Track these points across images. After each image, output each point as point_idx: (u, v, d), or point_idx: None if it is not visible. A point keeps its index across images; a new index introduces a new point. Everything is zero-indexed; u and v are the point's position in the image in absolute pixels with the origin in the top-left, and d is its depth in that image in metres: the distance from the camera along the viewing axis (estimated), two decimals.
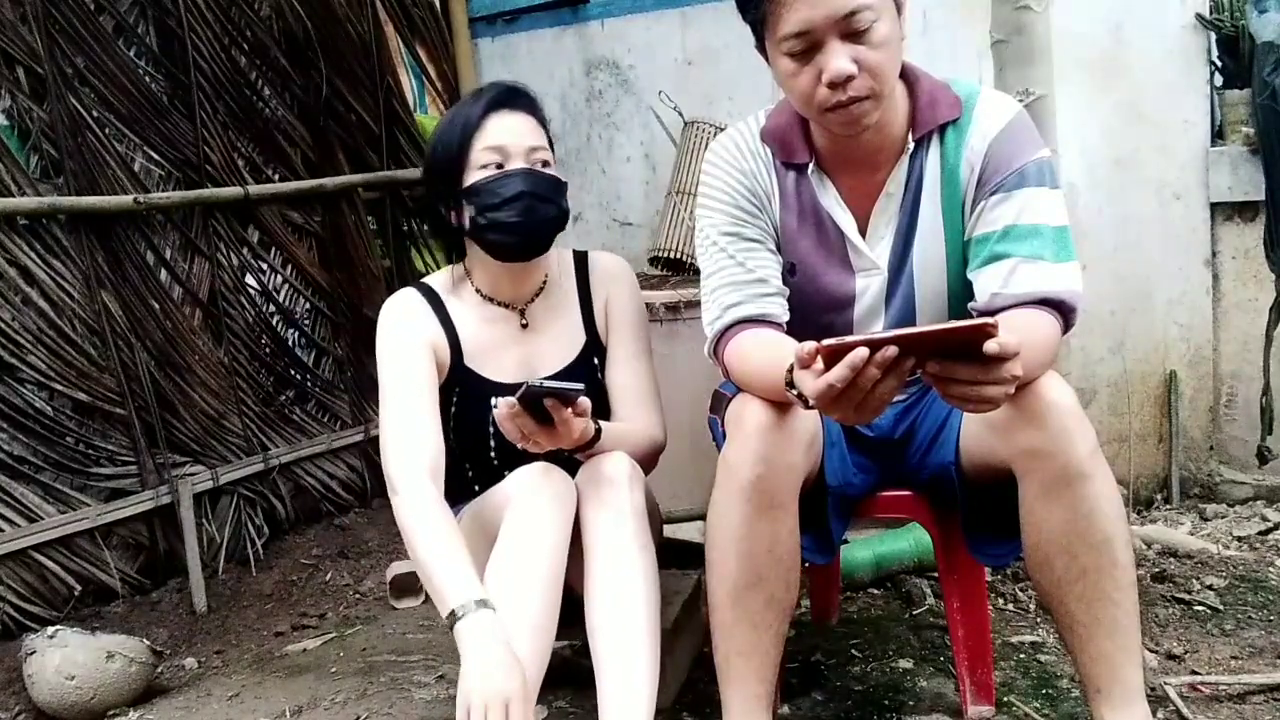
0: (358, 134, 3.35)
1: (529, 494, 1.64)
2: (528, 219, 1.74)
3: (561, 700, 1.95)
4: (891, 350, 1.22)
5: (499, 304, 1.86)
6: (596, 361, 1.89)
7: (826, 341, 1.23)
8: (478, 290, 1.86)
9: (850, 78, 1.44)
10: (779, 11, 1.45)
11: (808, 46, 1.45)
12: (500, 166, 1.75)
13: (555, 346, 1.86)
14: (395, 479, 1.67)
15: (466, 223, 1.77)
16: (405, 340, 1.79)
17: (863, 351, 1.21)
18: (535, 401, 1.56)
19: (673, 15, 3.34)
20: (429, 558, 1.58)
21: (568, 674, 1.99)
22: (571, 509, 1.66)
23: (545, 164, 1.78)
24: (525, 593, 1.57)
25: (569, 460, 1.73)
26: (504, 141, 1.75)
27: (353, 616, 2.61)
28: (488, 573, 1.59)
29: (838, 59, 1.44)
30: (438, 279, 1.90)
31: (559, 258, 1.91)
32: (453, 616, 1.51)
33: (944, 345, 1.24)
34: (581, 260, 1.93)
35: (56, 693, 2.08)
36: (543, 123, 1.82)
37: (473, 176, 1.75)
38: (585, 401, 1.58)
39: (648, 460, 1.83)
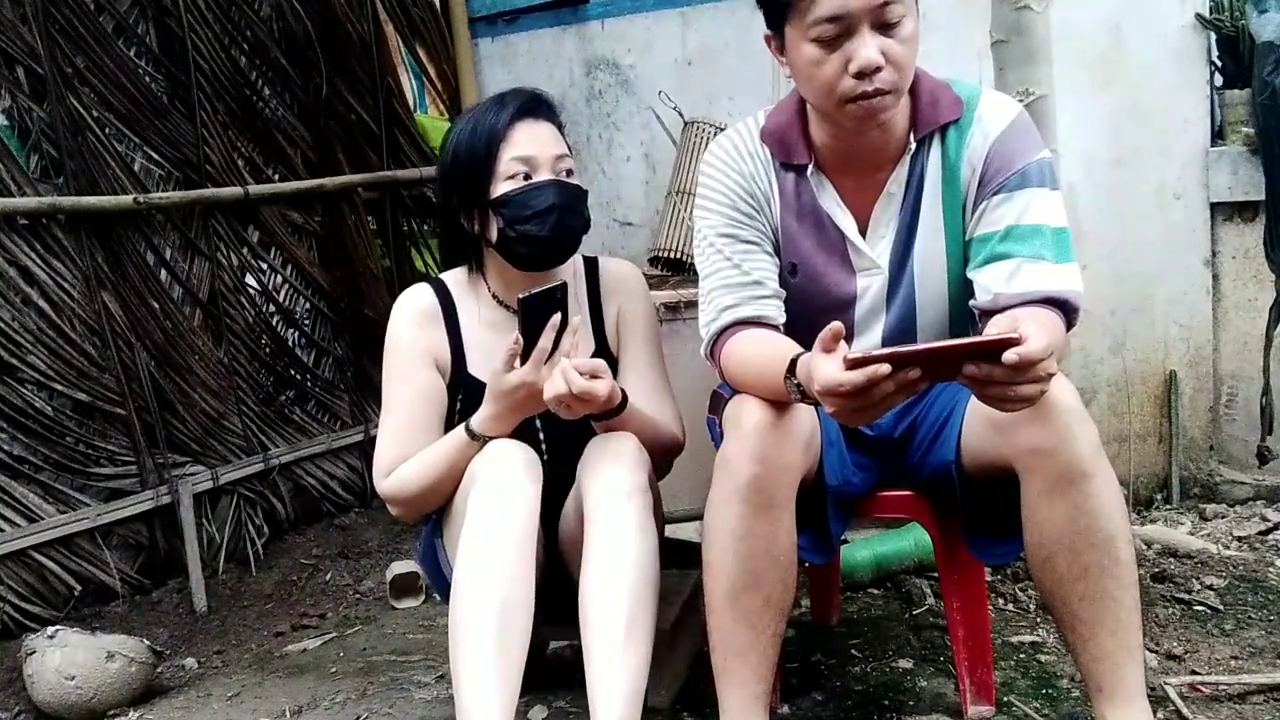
0: (358, 134, 3.35)
1: (492, 466, 1.63)
2: (557, 232, 1.74)
3: (561, 700, 1.95)
4: (914, 372, 1.23)
5: (513, 310, 1.85)
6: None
7: (852, 354, 1.24)
8: (494, 295, 1.86)
9: (878, 68, 1.44)
10: None
11: (838, 33, 1.45)
12: (527, 177, 1.74)
13: None
14: (378, 486, 1.80)
15: (493, 234, 1.77)
16: (406, 352, 1.82)
17: (884, 368, 1.21)
18: (536, 316, 1.58)
19: (673, 15, 3.33)
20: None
21: (568, 674, 1.99)
22: (538, 479, 1.64)
23: (569, 173, 1.78)
24: (497, 568, 1.56)
25: (575, 444, 1.72)
26: (532, 152, 1.74)
27: (353, 616, 2.61)
28: (459, 551, 1.59)
29: (867, 48, 1.44)
30: (454, 276, 1.89)
31: (571, 263, 1.90)
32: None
33: (969, 358, 1.25)
34: (592, 267, 1.93)
35: (56, 693, 2.08)
36: (562, 130, 1.82)
37: (501, 187, 1.74)
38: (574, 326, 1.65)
39: (665, 456, 1.83)
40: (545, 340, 1.61)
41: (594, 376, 1.60)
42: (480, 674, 1.51)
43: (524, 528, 1.60)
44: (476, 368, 1.82)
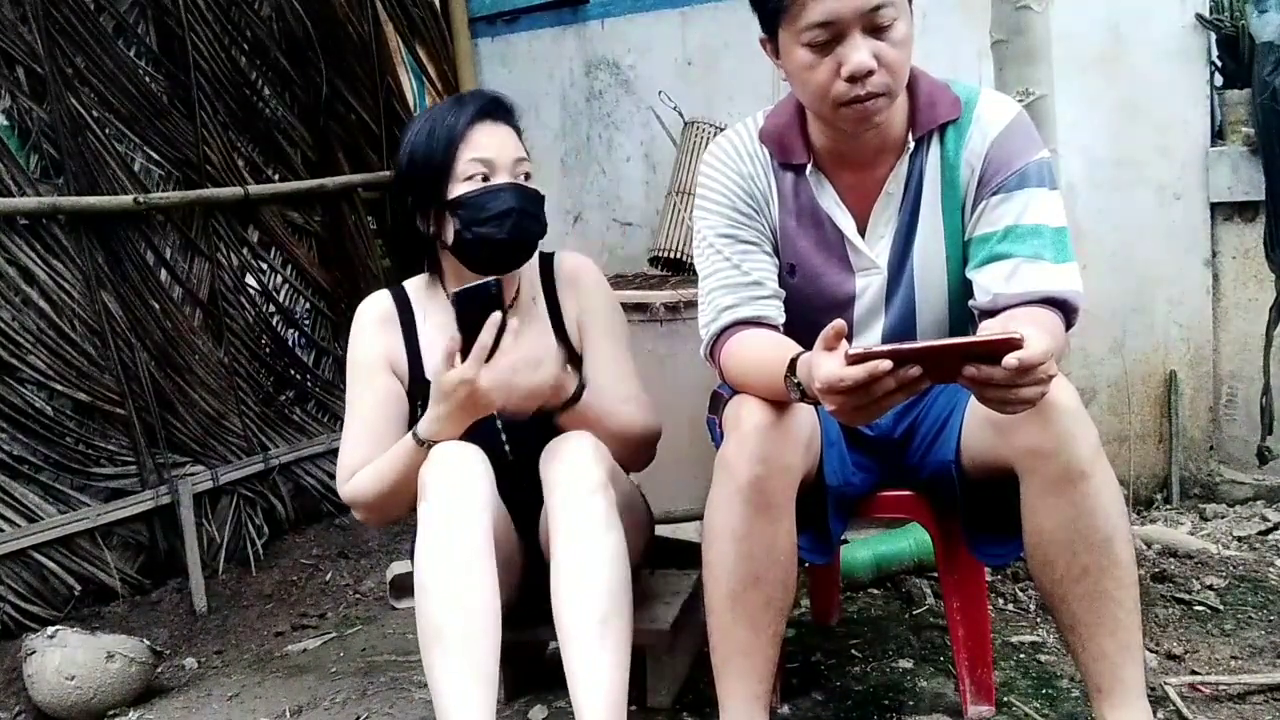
0: (358, 134, 3.35)
1: (439, 469, 1.61)
2: (515, 235, 1.72)
3: (561, 700, 1.95)
4: (915, 370, 1.22)
5: None
6: (568, 369, 1.86)
7: (853, 350, 1.23)
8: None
9: (870, 72, 1.45)
10: (804, 0, 1.44)
11: (830, 38, 1.45)
12: (486, 179, 1.72)
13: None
14: (340, 490, 1.80)
15: (449, 235, 1.75)
16: (364, 358, 1.81)
17: (885, 364, 1.21)
18: (472, 311, 1.58)
19: (673, 15, 3.34)
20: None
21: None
22: (490, 480, 1.63)
23: (528, 176, 1.77)
24: (449, 575, 1.55)
25: (540, 443, 1.71)
26: (491, 154, 1.72)
27: (353, 616, 2.62)
28: (416, 562, 1.59)
29: (859, 52, 1.44)
30: (415, 283, 1.88)
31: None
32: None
33: (969, 357, 1.24)
34: (547, 263, 1.90)
35: (56, 693, 2.08)
36: (520, 134, 1.80)
37: (458, 188, 1.72)
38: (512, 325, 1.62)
39: (639, 446, 1.82)
40: (485, 336, 1.58)
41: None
42: (452, 681, 1.51)
43: (477, 530, 1.58)
44: (433, 372, 1.76)
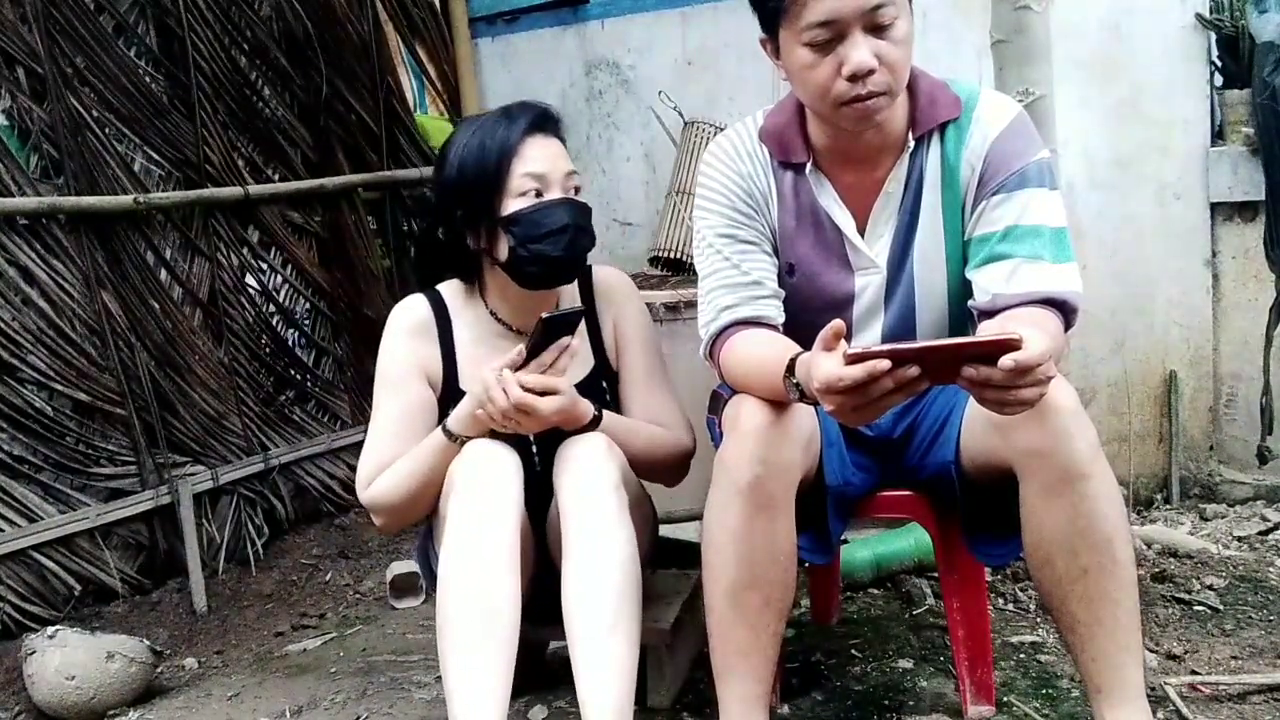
0: (358, 134, 3.35)
1: (470, 468, 1.61)
2: (569, 252, 1.72)
3: (561, 700, 1.96)
4: (913, 370, 1.22)
5: (513, 328, 1.82)
6: (605, 385, 1.86)
7: (851, 350, 1.23)
8: (492, 313, 1.83)
9: (871, 71, 1.45)
10: (805, 0, 1.44)
11: (831, 37, 1.45)
12: (539, 194, 1.71)
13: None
14: (360, 495, 1.78)
15: (502, 252, 1.73)
16: (397, 364, 1.79)
17: (883, 364, 1.21)
18: (551, 336, 1.57)
19: (673, 15, 3.34)
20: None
21: (568, 674, 1.99)
22: (519, 478, 1.63)
23: (577, 190, 1.76)
24: (478, 572, 1.55)
25: (552, 444, 1.71)
26: (544, 169, 1.71)
27: (353, 616, 2.62)
28: (441, 555, 1.58)
29: (860, 51, 1.44)
30: (450, 289, 1.86)
31: None
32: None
33: (967, 358, 1.24)
34: (584, 277, 1.89)
35: (56, 693, 2.08)
36: (565, 144, 1.80)
37: (512, 204, 1.70)
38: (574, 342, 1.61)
39: (670, 464, 1.82)
40: (548, 356, 1.59)
41: (546, 394, 1.59)
42: (467, 679, 1.51)
43: (506, 529, 1.58)
44: (468, 382, 1.77)
